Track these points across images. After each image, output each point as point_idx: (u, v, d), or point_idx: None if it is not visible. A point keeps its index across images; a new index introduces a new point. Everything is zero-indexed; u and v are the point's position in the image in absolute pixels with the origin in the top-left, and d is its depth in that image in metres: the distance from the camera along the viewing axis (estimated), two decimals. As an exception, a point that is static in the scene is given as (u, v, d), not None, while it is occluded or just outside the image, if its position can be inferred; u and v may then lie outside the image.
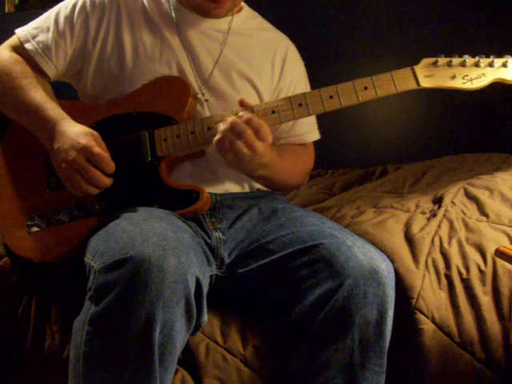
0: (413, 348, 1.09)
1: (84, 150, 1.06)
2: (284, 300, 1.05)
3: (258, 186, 1.26)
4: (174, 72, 1.19)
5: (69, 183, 1.09)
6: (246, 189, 1.24)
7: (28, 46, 1.18)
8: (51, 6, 1.23)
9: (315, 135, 1.33)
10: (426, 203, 1.35)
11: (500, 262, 1.13)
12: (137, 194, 1.12)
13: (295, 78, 1.29)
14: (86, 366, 0.90)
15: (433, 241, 1.18)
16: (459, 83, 1.05)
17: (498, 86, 1.12)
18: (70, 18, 1.19)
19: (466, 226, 1.23)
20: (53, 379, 1.08)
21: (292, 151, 1.27)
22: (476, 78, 1.04)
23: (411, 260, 1.14)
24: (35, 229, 1.13)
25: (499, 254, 0.97)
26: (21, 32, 1.20)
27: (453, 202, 1.30)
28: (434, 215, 1.27)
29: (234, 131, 1.02)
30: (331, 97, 1.07)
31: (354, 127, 2.34)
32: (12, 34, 1.21)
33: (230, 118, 1.03)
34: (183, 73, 1.19)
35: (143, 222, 0.98)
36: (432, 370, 1.08)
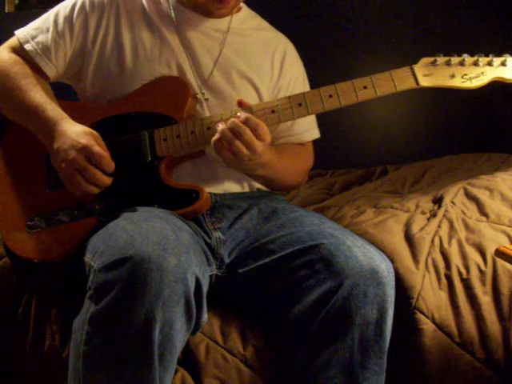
0: (413, 348, 1.09)
1: (84, 150, 1.06)
2: (284, 300, 1.04)
3: (257, 185, 1.26)
4: (174, 72, 1.19)
5: (69, 183, 1.09)
6: (246, 189, 1.24)
7: (27, 46, 1.18)
8: (51, 6, 1.24)
9: (314, 134, 1.33)
10: (426, 203, 1.35)
11: (500, 262, 1.13)
12: (137, 194, 1.12)
13: (294, 77, 1.29)
14: (85, 366, 0.90)
15: (433, 241, 1.18)
16: (458, 82, 1.05)
17: (497, 86, 1.12)
18: (69, 19, 1.19)
19: (466, 226, 1.23)
20: (53, 379, 1.08)
21: (291, 150, 1.27)
22: (475, 77, 1.05)
23: (411, 260, 1.14)
24: (35, 229, 1.13)
25: (499, 254, 0.97)
26: (20, 33, 1.20)
27: (453, 202, 1.30)
28: (434, 215, 1.27)
29: (232, 131, 1.03)
30: (331, 96, 1.07)
31: (354, 127, 2.34)
32: (12, 34, 1.22)
33: (229, 119, 1.03)
34: (183, 73, 1.19)
35: (143, 221, 0.98)
36: (432, 370, 1.08)
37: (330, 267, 1.00)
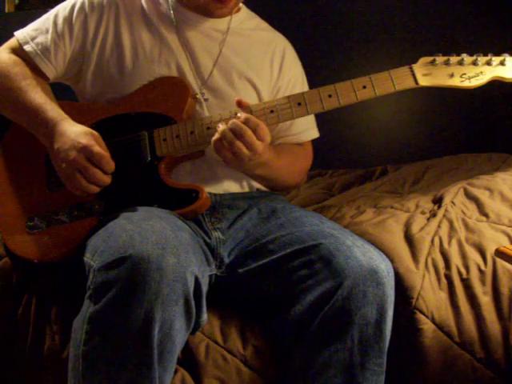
0: (413, 348, 1.09)
1: (84, 150, 1.06)
2: (283, 300, 1.05)
3: (257, 185, 1.27)
4: (174, 72, 1.19)
5: (69, 183, 1.09)
6: (246, 189, 1.24)
7: (27, 47, 1.18)
8: (51, 6, 1.24)
9: (313, 134, 1.33)
10: (426, 203, 1.35)
11: (500, 262, 1.13)
12: (136, 194, 1.13)
13: (293, 77, 1.29)
14: (85, 365, 0.90)
15: (433, 241, 1.18)
16: (457, 81, 1.05)
17: (497, 86, 1.12)
18: (68, 20, 1.19)
19: (466, 226, 1.22)
20: (53, 379, 1.08)
21: (290, 150, 1.27)
22: (474, 77, 1.05)
23: (411, 260, 1.14)
24: (35, 229, 1.13)
25: (499, 254, 0.97)
26: (20, 34, 1.20)
27: (453, 202, 1.30)
28: (433, 215, 1.27)
29: (233, 132, 1.03)
30: (330, 96, 1.07)
31: (353, 127, 2.34)
32: (12, 34, 1.22)
33: (229, 119, 1.04)
34: (182, 73, 1.19)
35: (143, 221, 0.98)
36: (432, 370, 1.08)
37: (329, 267, 1.01)
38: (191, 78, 1.19)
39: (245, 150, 1.03)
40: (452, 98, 2.17)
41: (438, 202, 1.34)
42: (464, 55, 1.06)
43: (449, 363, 1.08)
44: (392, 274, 1.05)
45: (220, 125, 1.05)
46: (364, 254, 1.02)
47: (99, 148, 1.07)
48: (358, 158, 2.31)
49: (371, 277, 0.99)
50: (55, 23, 1.19)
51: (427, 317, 1.09)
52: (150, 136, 1.14)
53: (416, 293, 1.10)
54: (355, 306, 0.98)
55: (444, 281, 1.13)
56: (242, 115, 1.04)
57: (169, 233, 0.95)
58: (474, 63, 1.06)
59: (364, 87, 1.07)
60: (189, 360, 1.04)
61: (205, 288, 0.98)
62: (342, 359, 0.99)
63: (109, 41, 1.19)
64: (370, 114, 2.29)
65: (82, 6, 1.20)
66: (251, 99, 1.19)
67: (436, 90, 1.09)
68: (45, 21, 1.21)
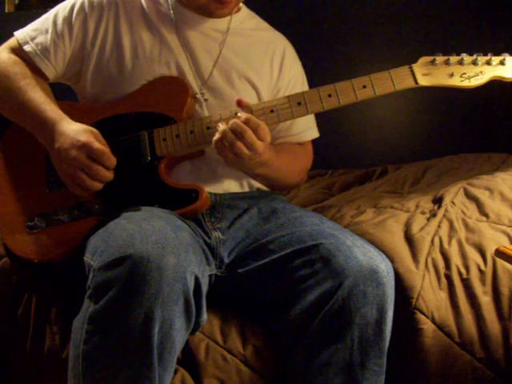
0: (413, 348, 1.08)
1: (84, 147, 1.06)
2: (283, 300, 1.05)
3: (257, 185, 1.26)
4: (173, 72, 1.19)
5: (71, 182, 1.09)
6: (246, 188, 1.24)
7: (27, 47, 1.18)
8: (51, 6, 1.24)
9: (314, 133, 1.33)
10: (426, 203, 1.35)
11: (500, 262, 1.13)
12: (136, 194, 1.13)
13: (293, 77, 1.29)
14: (85, 365, 0.90)
15: (433, 241, 1.18)
16: (457, 81, 1.05)
17: (497, 86, 1.12)
18: (68, 20, 1.19)
19: (466, 226, 1.22)
20: (53, 379, 1.08)
21: (290, 150, 1.27)
22: (474, 76, 1.05)
23: (411, 260, 1.14)
24: (35, 229, 1.13)
25: (499, 254, 0.97)
26: (19, 34, 1.20)
27: (453, 202, 1.30)
28: (433, 215, 1.27)
29: (234, 132, 1.03)
30: (330, 95, 1.08)
31: (353, 127, 2.34)
32: (12, 34, 1.22)
33: (229, 119, 1.03)
34: (182, 73, 1.19)
35: (142, 220, 0.98)
36: (432, 370, 1.08)
37: (329, 267, 1.00)
38: (191, 78, 1.19)
39: (245, 150, 1.03)
40: (452, 98, 2.17)
41: (438, 202, 1.34)
42: (464, 55, 1.07)
43: (449, 363, 1.08)
44: (392, 274, 1.05)
45: (220, 124, 1.05)
46: (364, 254, 1.02)
47: (99, 144, 1.07)
48: (358, 158, 2.31)
49: (371, 277, 0.99)
50: (55, 23, 1.19)
51: (427, 317, 1.09)
52: (149, 136, 1.14)
53: (416, 293, 1.09)
54: (355, 306, 0.98)
55: (444, 281, 1.13)
56: (242, 115, 1.04)
57: (169, 232, 0.95)
58: (474, 63, 1.06)
59: (364, 87, 1.07)
60: (189, 360, 1.04)
61: (205, 288, 0.98)
62: (342, 359, 0.99)
63: (109, 41, 1.19)
64: (370, 113, 2.29)
65: (82, 6, 1.20)
66: (251, 99, 1.19)
67: (436, 89, 1.09)
68: (44, 21, 1.21)
